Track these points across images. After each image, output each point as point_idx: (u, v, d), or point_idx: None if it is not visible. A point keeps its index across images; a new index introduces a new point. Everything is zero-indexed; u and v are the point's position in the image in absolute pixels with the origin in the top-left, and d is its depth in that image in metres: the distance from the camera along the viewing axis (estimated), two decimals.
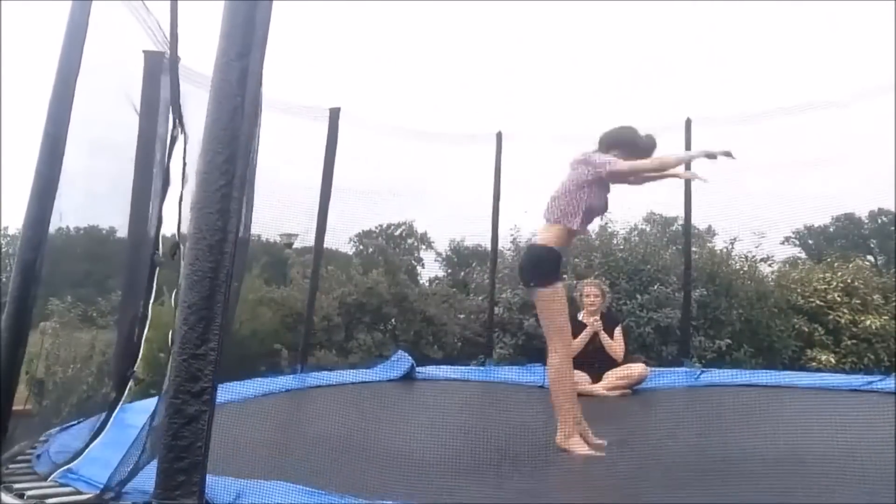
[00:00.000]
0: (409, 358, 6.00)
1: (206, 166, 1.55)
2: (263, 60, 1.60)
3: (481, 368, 6.57)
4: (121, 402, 3.28)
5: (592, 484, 2.99)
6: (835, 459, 2.79)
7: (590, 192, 3.41)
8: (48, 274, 3.05)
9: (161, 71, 3.55)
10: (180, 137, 2.78)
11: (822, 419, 3.66)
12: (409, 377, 5.81)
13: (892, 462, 2.54)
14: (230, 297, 1.63)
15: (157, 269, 2.89)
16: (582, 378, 5.37)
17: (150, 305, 2.96)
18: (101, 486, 2.45)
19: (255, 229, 6.74)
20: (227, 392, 4.50)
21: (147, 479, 2.40)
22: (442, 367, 6.52)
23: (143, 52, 3.68)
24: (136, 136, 3.54)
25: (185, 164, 2.67)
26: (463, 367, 6.55)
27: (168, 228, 2.94)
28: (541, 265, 3.27)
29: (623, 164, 3.40)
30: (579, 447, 3.09)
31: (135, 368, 3.09)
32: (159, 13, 3.20)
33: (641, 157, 3.51)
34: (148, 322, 2.99)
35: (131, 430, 3.04)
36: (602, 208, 3.63)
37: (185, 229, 2.55)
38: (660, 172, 3.66)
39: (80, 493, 2.50)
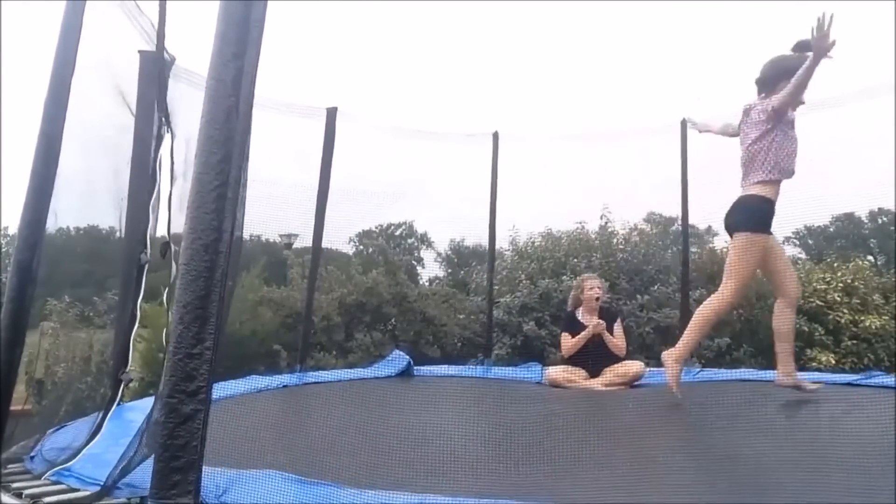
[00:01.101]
0: (406, 356, 6.01)
1: (202, 166, 1.56)
2: (258, 60, 1.60)
3: (479, 367, 6.58)
4: (115, 402, 3.28)
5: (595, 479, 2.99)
6: (834, 458, 2.80)
7: (785, 133, 3.37)
8: (49, 274, 3.05)
9: (157, 71, 3.55)
10: (167, 136, 2.78)
11: (820, 417, 3.68)
12: (406, 375, 5.82)
13: (892, 461, 2.54)
14: (225, 297, 1.63)
15: (146, 268, 2.88)
16: (579, 374, 5.40)
17: (139, 305, 2.95)
18: (96, 484, 2.46)
19: (255, 229, 6.77)
20: (222, 389, 4.54)
21: (144, 476, 2.42)
22: (439, 366, 6.54)
23: (139, 51, 3.68)
24: (133, 136, 3.54)
25: (172, 162, 2.66)
26: (461, 366, 6.56)
27: (159, 228, 2.94)
28: (757, 212, 3.26)
29: (778, 100, 3.34)
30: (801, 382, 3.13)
31: (127, 368, 3.08)
32: (152, 13, 3.21)
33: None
34: (137, 322, 2.98)
35: (129, 428, 3.05)
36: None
37: (174, 228, 2.55)
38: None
39: (75, 490, 2.51)
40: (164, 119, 3.00)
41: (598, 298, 5.60)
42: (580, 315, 5.67)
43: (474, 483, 2.68)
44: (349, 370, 6.13)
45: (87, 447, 2.99)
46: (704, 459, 3.11)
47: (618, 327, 5.61)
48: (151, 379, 5.44)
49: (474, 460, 3.00)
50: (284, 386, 5.20)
